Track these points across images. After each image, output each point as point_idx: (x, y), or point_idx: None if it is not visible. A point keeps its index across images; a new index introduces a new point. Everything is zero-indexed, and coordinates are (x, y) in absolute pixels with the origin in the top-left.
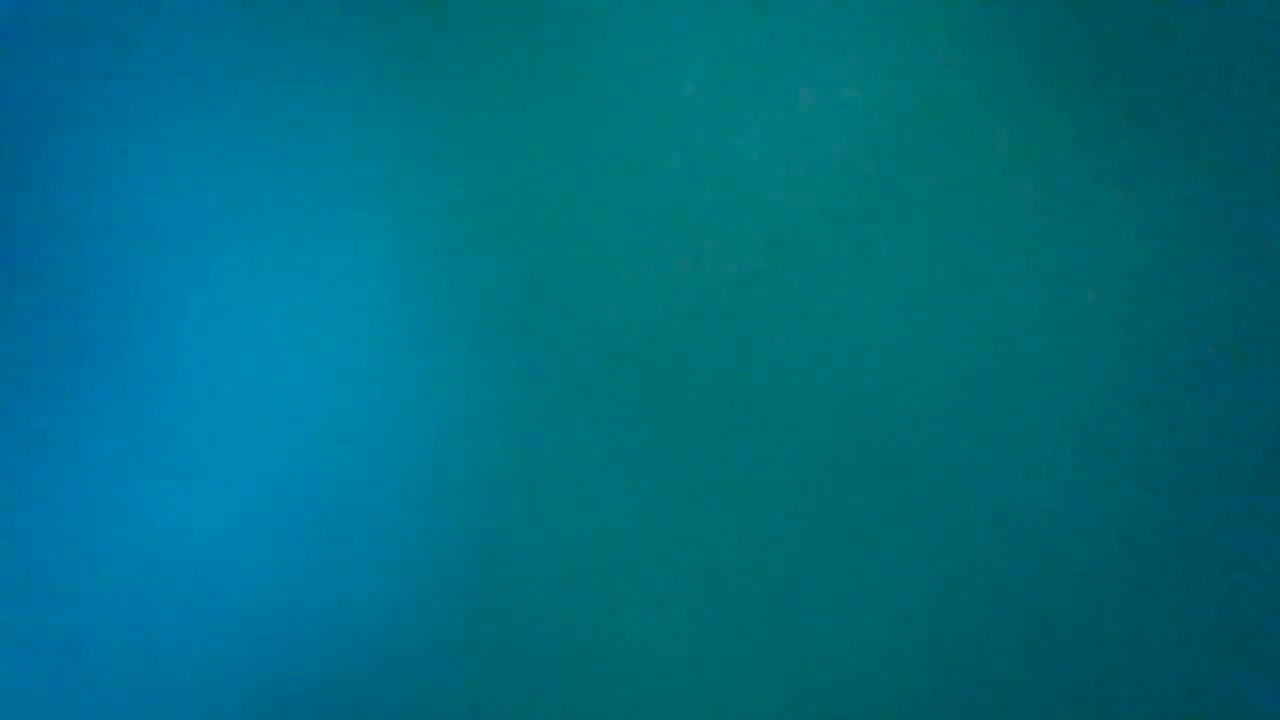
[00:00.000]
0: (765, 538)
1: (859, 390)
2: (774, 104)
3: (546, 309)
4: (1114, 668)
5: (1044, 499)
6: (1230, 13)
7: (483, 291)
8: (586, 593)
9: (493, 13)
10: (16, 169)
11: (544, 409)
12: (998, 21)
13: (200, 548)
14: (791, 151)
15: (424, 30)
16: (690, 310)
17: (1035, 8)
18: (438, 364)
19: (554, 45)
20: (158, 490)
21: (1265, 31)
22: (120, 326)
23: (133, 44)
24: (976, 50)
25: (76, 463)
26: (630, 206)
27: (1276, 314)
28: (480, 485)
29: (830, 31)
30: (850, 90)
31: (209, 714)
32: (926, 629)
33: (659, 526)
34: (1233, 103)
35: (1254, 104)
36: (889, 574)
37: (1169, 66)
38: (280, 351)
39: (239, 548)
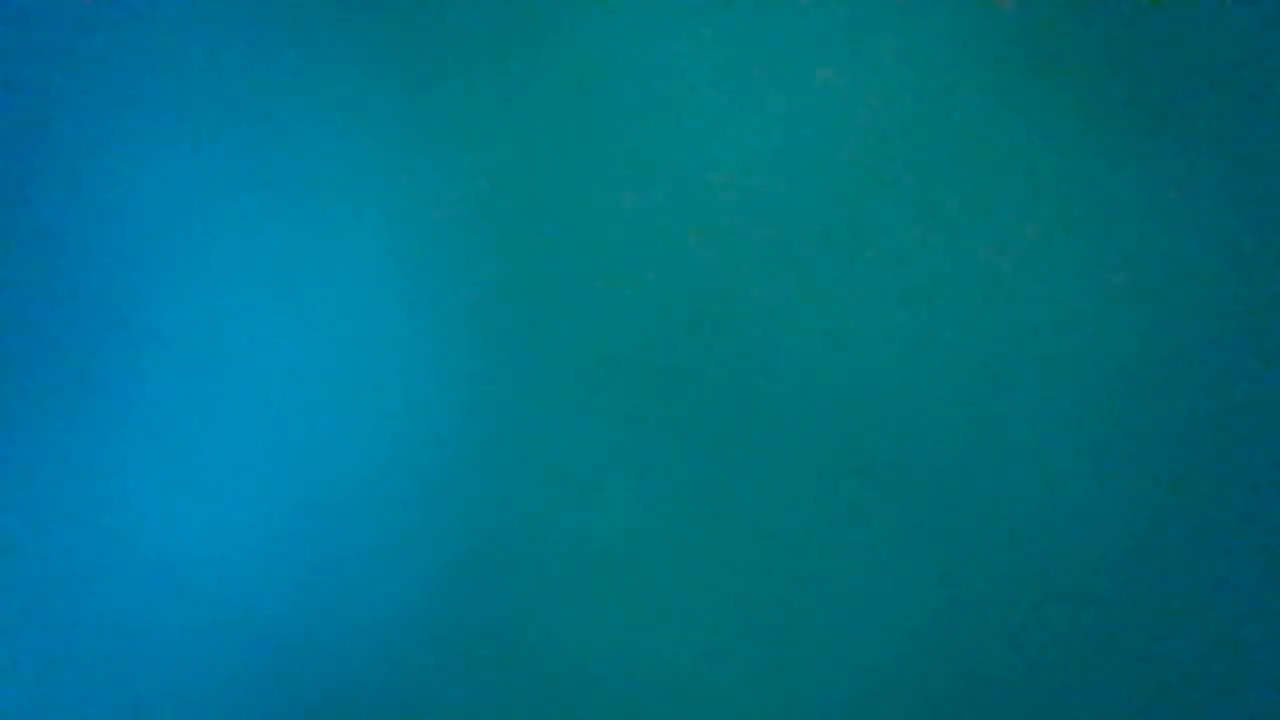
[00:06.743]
0: (770, 538)
1: (865, 390)
2: (778, 100)
3: (547, 307)
4: (1119, 669)
5: (1052, 501)
6: (1234, 13)
7: (483, 290)
8: (589, 594)
9: (490, 4)
10: (2, 165)
11: (546, 408)
12: (1006, 19)
13: (198, 550)
14: (796, 148)
15: (421, 21)
16: (694, 308)
17: (1043, 6)
18: (438, 362)
19: (553, 38)
20: (155, 491)
21: (1269, 31)
22: (114, 324)
23: (121, 36)
24: (984, 48)
25: (71, 464)
26: (632, 202)
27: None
28: (481, 485)
29: (833, 29)
30: (854, 89)
31: (209, 715)
32: (935, 632)
33: (663, 527)
34: (1238, 102)
35: (1260, 102)
36: (896, 576)
37: (1175, 65)
38: (278, 350)
39: (237, 549)
